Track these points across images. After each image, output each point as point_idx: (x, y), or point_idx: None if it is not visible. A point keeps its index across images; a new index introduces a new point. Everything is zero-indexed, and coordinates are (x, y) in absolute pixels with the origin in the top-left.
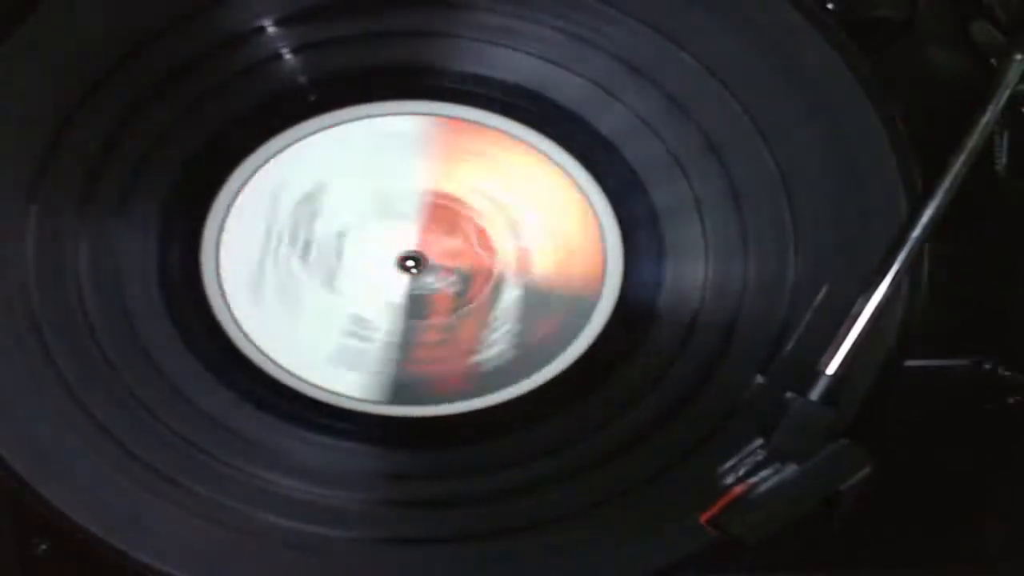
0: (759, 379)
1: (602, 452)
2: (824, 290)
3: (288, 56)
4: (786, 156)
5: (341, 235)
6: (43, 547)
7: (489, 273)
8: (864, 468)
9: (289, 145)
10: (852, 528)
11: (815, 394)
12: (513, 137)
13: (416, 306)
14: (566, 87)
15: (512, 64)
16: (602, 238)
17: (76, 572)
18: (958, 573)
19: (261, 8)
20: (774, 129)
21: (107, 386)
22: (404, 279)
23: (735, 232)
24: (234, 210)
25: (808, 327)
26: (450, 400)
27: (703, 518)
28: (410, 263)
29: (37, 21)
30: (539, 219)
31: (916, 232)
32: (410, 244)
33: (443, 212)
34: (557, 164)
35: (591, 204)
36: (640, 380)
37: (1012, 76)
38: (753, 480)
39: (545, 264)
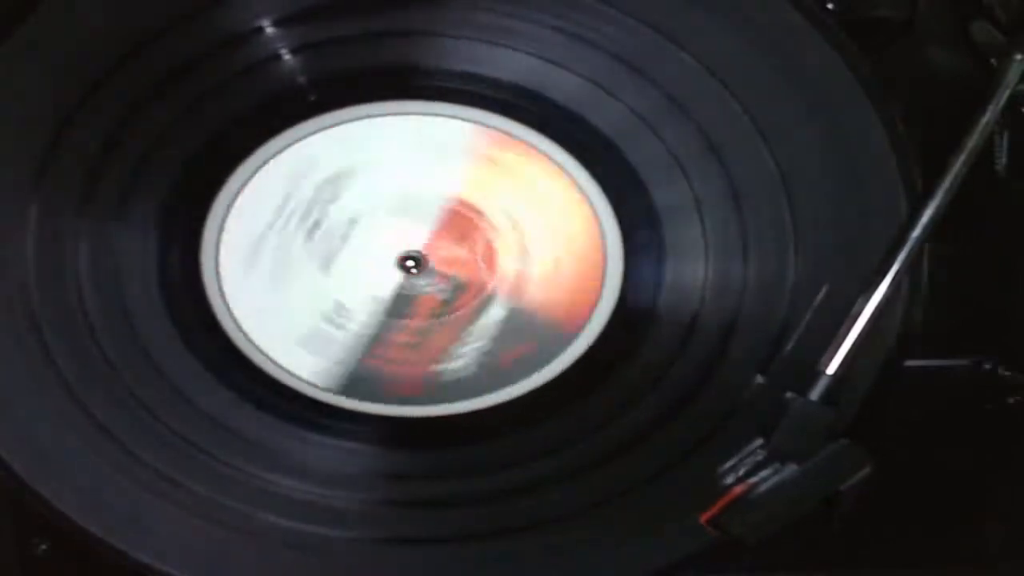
0: (759, 379)
1: (602, 452)
2: (824, 290)
3: (288, 56)
4: (786, 156)
5: (353, 222)
6: (43, 547)
7: (482, 288)
8: (864, 468)
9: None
10: (852, 528)
11: (815, 394)
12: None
13: (398, 305)
14: (566, 87)
15: (512, 64)
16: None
17: (76, 572)
18: (958, 573)
19: (261, 8)
20: (774, 129)
21: (107, 386)
22: (398, 276)
23: (735, 232)
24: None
25: (808, 327)
26: (401, 403)
27: (703, 518)
28: (410, 263)
29: (37, 21)
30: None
31: (916, 232)
32: (416, 244)
33: (460, 220)
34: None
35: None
36: (640, 380)
37: (1012, 76)
38: (753, 480)
39: (537, 292)
